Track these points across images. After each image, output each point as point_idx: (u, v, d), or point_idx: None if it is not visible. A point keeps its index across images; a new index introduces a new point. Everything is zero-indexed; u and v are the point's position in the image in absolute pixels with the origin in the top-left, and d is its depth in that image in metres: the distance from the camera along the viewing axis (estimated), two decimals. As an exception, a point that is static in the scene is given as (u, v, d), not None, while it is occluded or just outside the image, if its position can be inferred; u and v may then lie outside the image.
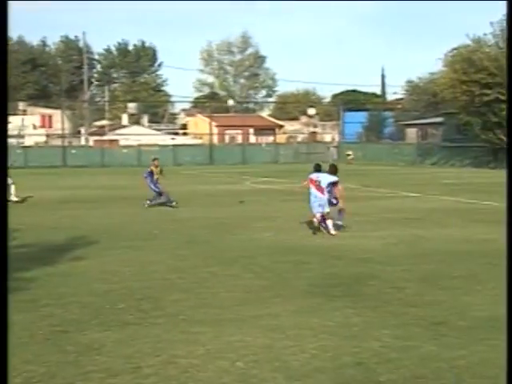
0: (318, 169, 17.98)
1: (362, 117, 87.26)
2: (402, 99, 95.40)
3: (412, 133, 77.59)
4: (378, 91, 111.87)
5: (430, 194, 28.86)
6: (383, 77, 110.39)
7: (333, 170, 17.74)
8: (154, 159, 25.32)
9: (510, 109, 6.30)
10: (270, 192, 30.41)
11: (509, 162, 5.65)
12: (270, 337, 8.00)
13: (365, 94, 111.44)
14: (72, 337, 8.02)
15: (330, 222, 17.03)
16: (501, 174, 27.80)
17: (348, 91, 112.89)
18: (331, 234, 16.74)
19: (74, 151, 66.29)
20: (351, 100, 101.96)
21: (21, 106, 73.11)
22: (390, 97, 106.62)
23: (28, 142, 72.37)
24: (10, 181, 23.43)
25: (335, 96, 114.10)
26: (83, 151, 67.98)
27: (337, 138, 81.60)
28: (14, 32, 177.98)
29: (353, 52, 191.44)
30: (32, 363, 7.10)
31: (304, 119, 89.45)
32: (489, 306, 9.48)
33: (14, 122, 78.66)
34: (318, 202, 17.22)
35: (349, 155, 69.31)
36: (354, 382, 6.59)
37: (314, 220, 17.20)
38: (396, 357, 7.26)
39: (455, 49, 61.75)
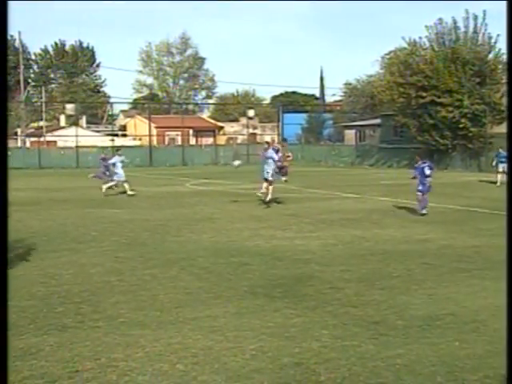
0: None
1: (301, 118, 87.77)
2: (340, 101, 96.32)
3: (350, 134, 78.38)
4: (317, 93, 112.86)
5: (368, 194, 29.20)
6: (322, 79, 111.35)
7: None
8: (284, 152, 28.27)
9: (510, 108, 6.43)
10: (211, 193, 30.35)
11: (509, 162, 5.77)
12: (210, 338, 8.00)
13: (304, 95, 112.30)
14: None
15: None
16: (437, 176, 28.33)
17: (287, 93, 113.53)
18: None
19: (9, 153, 65.14)
20: (290, 102, 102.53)
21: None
22: (328, 99, 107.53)
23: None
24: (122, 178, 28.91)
25: (275, 98, 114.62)
26: (20, 153, 66.72)
27: (276, 140, 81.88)
28: None
29: (292, 54, 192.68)
30: (-33, 369, 6.95)
31: (244, 121, 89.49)
32: (425, 305, 9.65)
33: None
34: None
35: (288, 156, 69.57)
36: (293, 383, 6.63)
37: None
38: (335, 356, 7.33)
39: (392, 51, 62.67)
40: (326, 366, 7.02)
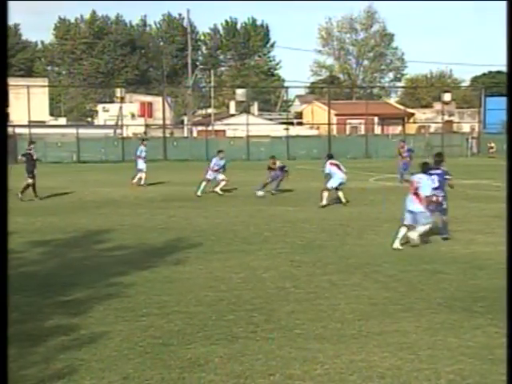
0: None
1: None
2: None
3: None
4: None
5: None
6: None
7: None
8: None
9: (510, 108, 6.26)
10: (398, 190, 30.04)
11: (508, 161, 5.60)
12: (399, 357, 7.92)
13: None
14: (175, 350, 8.18)
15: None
16: None
17: (491, 73, 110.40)
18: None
19: (175, 143, 67.43)
20: (495, 83, 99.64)
21: (118, 92, 74.59)
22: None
23: (125, 132, 73.99)
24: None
25: (476, 79, 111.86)
26: (186, 143, 68.94)
27: (477, 128, 79.88)
28: (111, 11, 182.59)
29: (497, 25, 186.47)
30: (132, 379, 7.28)
31: (438, 106, 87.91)
32: None
33: (110, 111, 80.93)
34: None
35: (491, 148, 67.80)
36: (498, 413, 6.44)
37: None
38: (550, 385, 7.04)
39: None
40: (538, 396, 6.75)
